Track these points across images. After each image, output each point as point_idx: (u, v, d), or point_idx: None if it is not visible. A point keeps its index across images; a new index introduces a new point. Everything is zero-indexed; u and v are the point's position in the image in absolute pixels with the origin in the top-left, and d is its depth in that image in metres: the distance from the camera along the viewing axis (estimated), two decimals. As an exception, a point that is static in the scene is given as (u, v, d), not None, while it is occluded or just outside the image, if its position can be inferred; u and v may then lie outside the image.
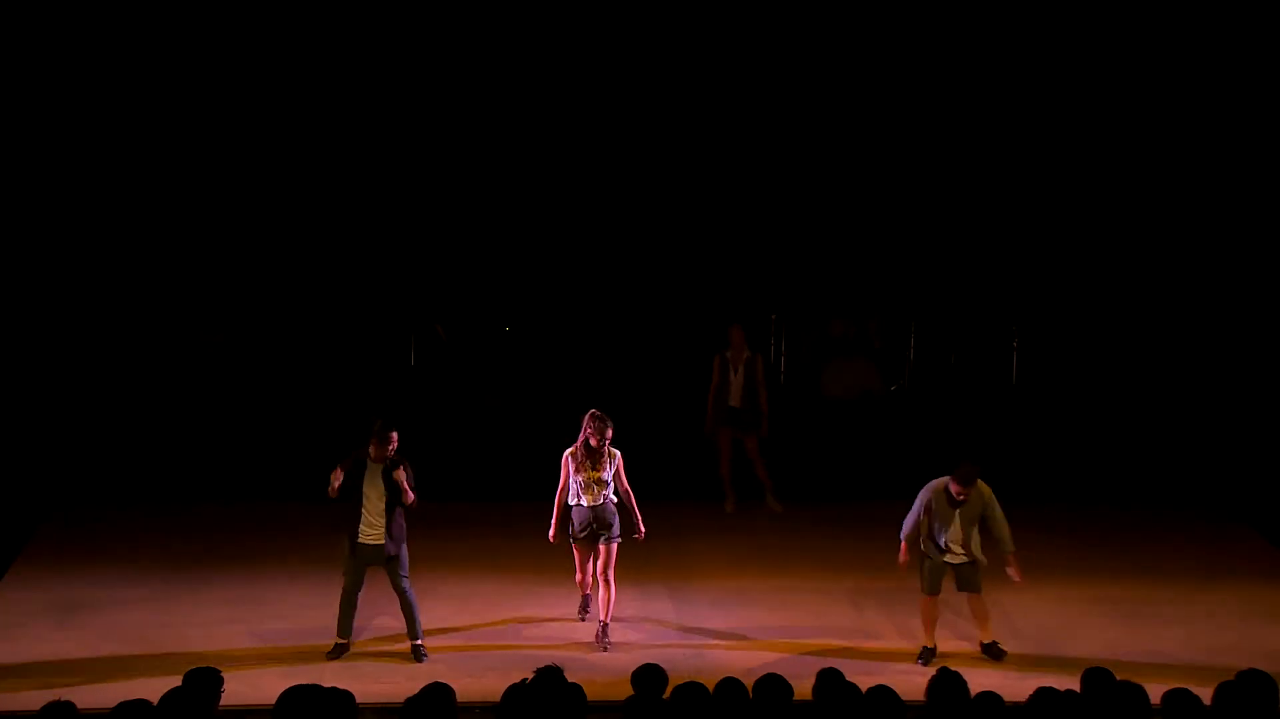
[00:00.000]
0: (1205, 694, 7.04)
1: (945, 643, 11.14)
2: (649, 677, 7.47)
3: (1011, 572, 11.07)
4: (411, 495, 10.85)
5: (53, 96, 15.87)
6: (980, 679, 8.27)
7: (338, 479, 10.79)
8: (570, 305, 17.50)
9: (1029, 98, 16.59)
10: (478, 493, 14.96)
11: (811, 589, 12.64)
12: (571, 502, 11.15)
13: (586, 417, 11.06)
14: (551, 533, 11.30)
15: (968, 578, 11.07)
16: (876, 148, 16.91)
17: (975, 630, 11.23)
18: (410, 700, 6.96)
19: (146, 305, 16.88)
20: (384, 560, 10.88)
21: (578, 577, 11.41)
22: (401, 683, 9.86)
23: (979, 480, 10.89)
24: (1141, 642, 11.34)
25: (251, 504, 14.80)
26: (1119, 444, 16.38)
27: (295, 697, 6.89)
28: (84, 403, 16.26)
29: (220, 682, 7.46)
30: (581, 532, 11.14)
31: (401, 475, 10.76)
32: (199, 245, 16.79)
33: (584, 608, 11.57)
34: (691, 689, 7.04)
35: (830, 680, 7.40)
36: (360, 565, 10.94)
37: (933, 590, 11.04)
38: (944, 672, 7.30)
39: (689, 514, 14.37)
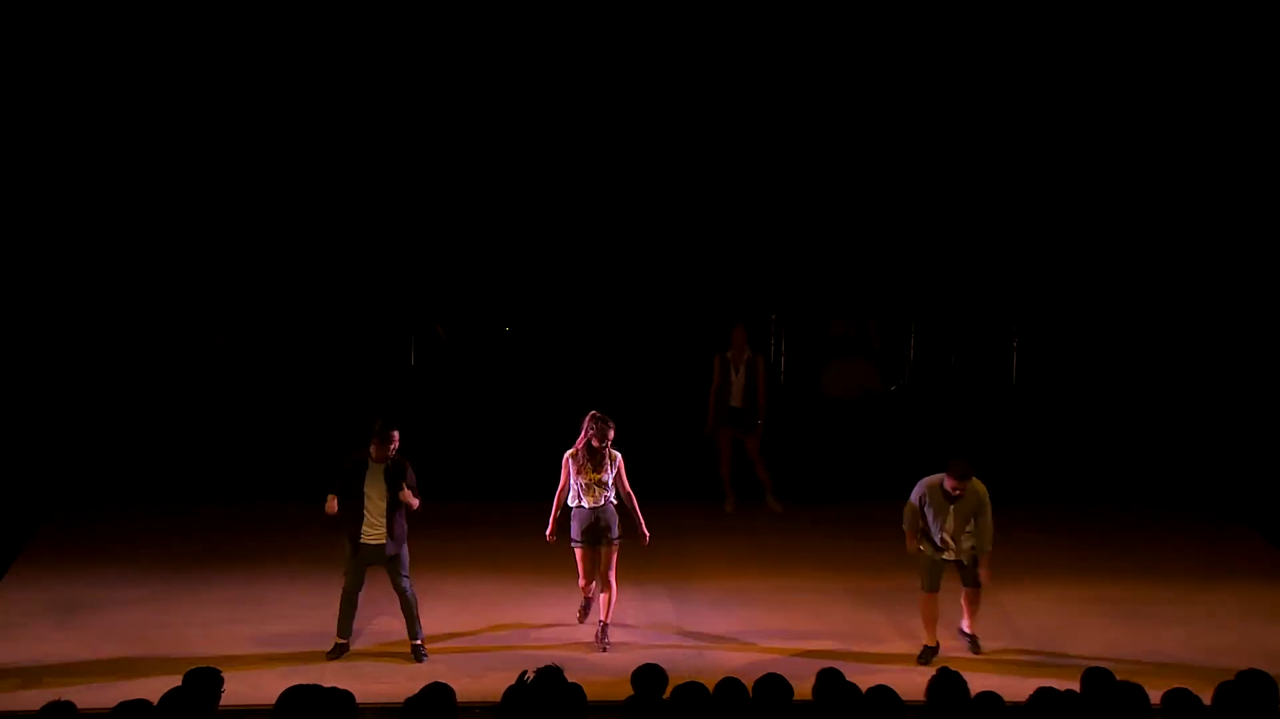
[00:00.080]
0: (1205, 694, 7.05)
1: (946, 643, 11.13)
2: (649, 677, 7.47)
3: (982, 572, 11.02)
4: (416, 503, 10.86)
5: (53, 97, 15.87)
6: (980, 679, 8.27)
7: (333, 506, 10.83)
8: (570, 306, 17.50)
9: (1029, 98, 16.59)
10: (478, 493, 14.96)
11: (811, 589, 12.64)
12: (572, 503, 11.13)
13: (587, 418, 11.02)
14: (549, 531, 11.28)
15: (970, 573, 11.06)
16: (876, 148, 16.91)
17: (962, 617, 11.19)
18: (410, 700, 6.96)
19: (146, 305, 16.89)
20: (385, 560, 10.88)
21: (581, 582, 11.33)
22: (401, 683, 9.86)
23: (977, 480, 10.87)
24: (1141, 642, 11.34)
25: (251, 504, 14.80)
26: (1119, 444, 16.38)
27: (295, 697, 6.89)
28: (84, 403, 16.26)
29: (220, 682, 7.46)
30: (583, 535, 11.11)
31: (409, 495, 10.79)
32: (199, 245, 16.80)
33: (584, 611, 11.51)
34: (691, 689, 7.04)
35: (830, 680, 7.40)
36: (361, 565, 10.93)
37: (932, 587, 11.03)
38: (944, 672, 7.31)
39: (689, 514, 14.37)
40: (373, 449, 10.85)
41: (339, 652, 10.90)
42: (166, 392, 16.65)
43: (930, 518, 10.94)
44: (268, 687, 8.44)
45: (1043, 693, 7.02)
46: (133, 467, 15.49)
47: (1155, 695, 7.08)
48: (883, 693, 7.03)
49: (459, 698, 7.03)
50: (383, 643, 11.18)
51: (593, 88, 16.58)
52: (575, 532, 11.14)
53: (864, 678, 7.62)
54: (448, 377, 17.46)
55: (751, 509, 14.89)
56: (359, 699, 7.08)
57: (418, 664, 10.80)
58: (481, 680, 10.12)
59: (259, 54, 16.08)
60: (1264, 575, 13.16)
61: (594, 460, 10.99)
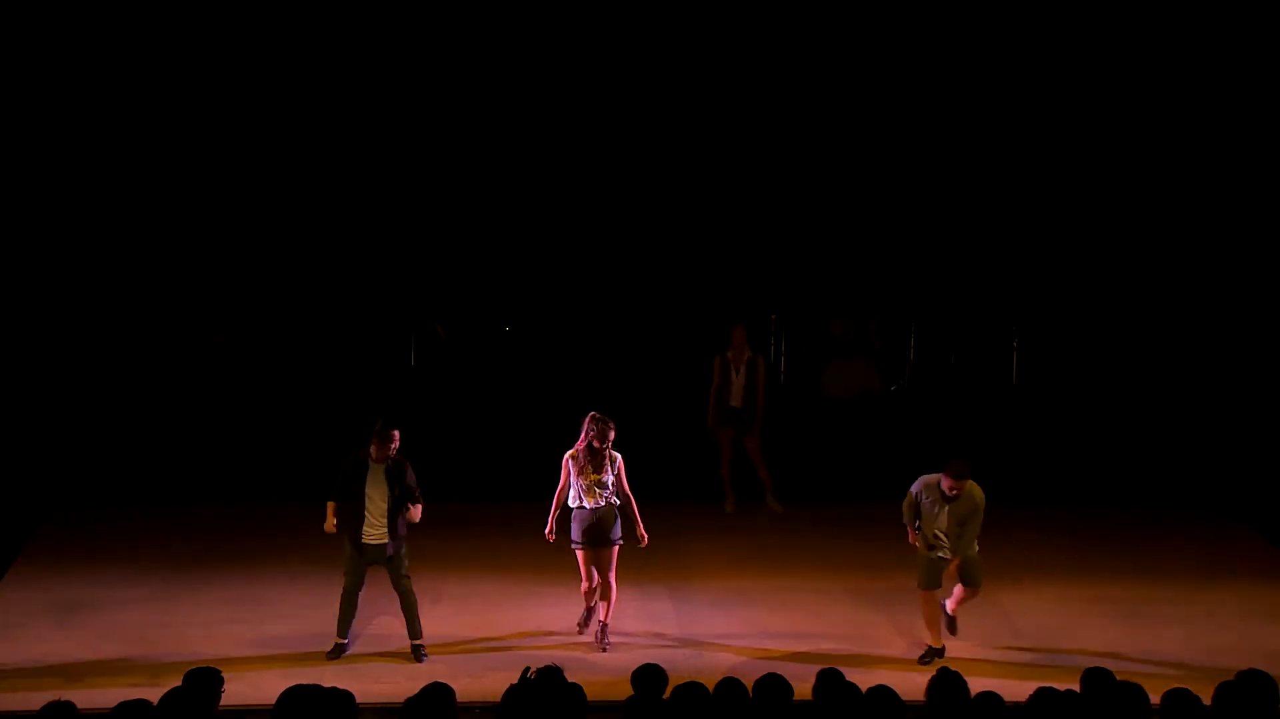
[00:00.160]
0: (1205, 694, 7.05)
1: (947, 643, 11.12)
2: (649, 677, 7.47)
3: (951, 568, 11.00)
4: (419, 517, 10.87)
5: (53, 97, 15.87)
6: (980, 679, 8.26)
7: (331, 526, 10.89)
8: (570, 306, 17.49)
9: (1029, 98, 16.59)
10: (478, 493, 14.95)
11: (811, 589, 12.63)
12: (573, 504, 11.10)
13: (587, 419, 11.00)
14: (548, 529, 11.27)
15: (970, 573, 11.05)
16: (876, 148, 16.91)
17: (955, 597, 11.19)
18: (410, 700, 6.96)
19: (147, 305, 16.89)
20: (385, 560, 10.88)
21: (583, 584, 11.28)
22: (401, 683, 9.87)
23: (976, 486, 10.85)
24: (1141, 642, 11.34)
25: (251, 504, 14.79)
26: (1119, 444, 16.38)
27: (295, 697, 6.90)
28: (84, 403, 16.26)
29: (220, 682, 7.46)
30: (584, 536, 11.09)
31: (416, 514, 10.82)
32: (199, 245, 16.80)
33: (584, 622, 11.40)
34: (691, 689, 7.05)
35: (830, 680, 7.40)
36: (361, 565, 10.93)
37: (930, 585, 11.00)
38: (944, 672, 7.31)
39: (689, 514, 14.37)
40: (373, 449, 10.85)
41: (339, 652, 10.90)
42: (167, 392, 16.65)
43: (925, 514, 10.93)
44: (268, 687, 8.45)
45: (1043, 693, 7.02)
46: (133, 467, 15.49)
47: (1155, 695, 7.08)
48: (883, 693, 7.03)
49: (459, 698, 7.04)
50: (383, 643, 11.18)
51: (592, 88, 16.57)
52: (576, 533, 11.11)
53: (864, 678, 7.62)
54: (448, 376, 17.46)
55: (751, 509, 14.89)
56: (359, 699, 7.08)
57: (418, 664, 10.80)
58: (481, 680, 10.12)
59: (259, 54, 16.08)
60: (1264, 575, 13.16)
61: (594, 462, 10.97)
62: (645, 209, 17.04)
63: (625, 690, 7.50)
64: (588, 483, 10.99)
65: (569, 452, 11.07)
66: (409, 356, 17.52)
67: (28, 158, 16.02)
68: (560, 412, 13.56)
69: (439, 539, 12.79)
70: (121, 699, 6.92)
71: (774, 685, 7.17)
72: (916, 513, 10.99)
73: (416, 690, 7.03)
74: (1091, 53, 16.34)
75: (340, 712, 6.88)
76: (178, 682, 7.36)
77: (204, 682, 7.38)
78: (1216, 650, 10.96)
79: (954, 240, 17.26)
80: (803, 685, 7.45)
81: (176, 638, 11.21)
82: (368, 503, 10.83)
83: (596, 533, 11.06)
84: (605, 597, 11.16)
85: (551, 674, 7.26)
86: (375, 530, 10.84)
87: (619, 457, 11.07)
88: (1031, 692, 7.06)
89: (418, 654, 10.91)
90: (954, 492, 10.75)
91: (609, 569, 11.12)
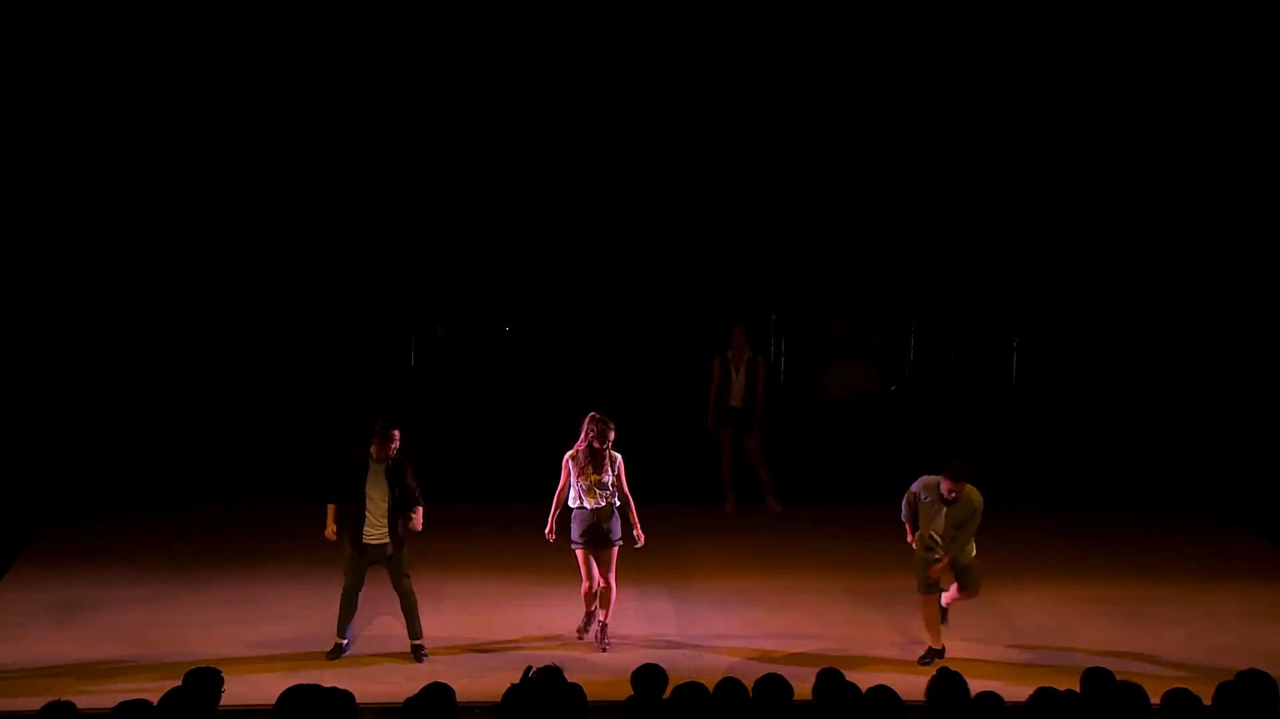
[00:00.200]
0: (1205, 694, 7.05)
1: (946, 643, 11.12)
2: (649, 677, 7.47)
3: (936, 568, 10.99)
4: (420, 523, 10.87)
5: (53, 97, 15.87)
6: (980, 679, 8.26)
7: (331, 533, 10.91)
8: (571, 306, 17.49)
9: (1029, 98, 16.59)
10: (478, 493, 14.95)
11: (811, 589, 12.63)
12: (573, 504, 11.09)
13: (587, 419, 10.99)
14: (549, 529, 11.26)
15: (968, 578, 11.05)
16: (876, 147, 16.91)
17: (951, 593, 11.20)
18: (410, 700, 6.96)
19: (147, 305, 16.88)
20: (385, 560, 10.88)
21: (584, 585, 11.24)
22: (401, 683, 9.86)
23: (975, 491, 10.83)
24: (1141, 642, 11.34)
25: (251, 504, 14.79)
26: (1119, 444, 16.37)
27: (295, 697, 6.89)
28: (84, 403, 16.26)
29: (220, 682, 7.46)
30: (584, 536, 11.08)
31: (418, 524, 10.83)
32: (199, 245, 16.79)
33: (585, 627, 11.36)
34: (691, 689, 7.04)
35: (830, 680, 7.40)
36: (362, 565, 10.94)
37: (929, 589, 10.98)
38: (944, 672, 7.30)
39: (689, 514, 14.37)
40: (373, 449, 10.85)
41: (339, 652, 10.90)
42: (167, 392, 16.65)
43: (924, 514, 10.93)
44: (268, 687, 8.44)
45: (1043, 693, 7.02)
46: (133, 467, 15.49)
47: (1155, 695, 7.08)
48: (883, 693, 7.03)
49: (459, 698, 7.03)
50: (383, 643, 11.18)
51: (592, 88, 16.57)
52: (576, 533, 11.10)
53: (864, 678, 7.62)
54: (448, 376, 17.46)
55: (751, 509, 14.89)
56: (359, 699, 7.08)
57: (418, 664, 10.80)
58: (481, 680, 10.12)
59: (259, 54, 16.08)
60: (1264, 575, 13.16)
61: (594, 462, 10.96)
62: (645, 209, 17.04)
63: (625, 690, 7.50)
64: (588, 483, 10.99)
65: (569, 452, 11.07)
66: (409, 356, 17.52)
67: (28, 158, 16.02)
68: (560, 412, 13.57)
69: (439, 539, 12.74)
70: (121, 699, 6.91)
71: (774, 685, 7.17)
72: (915, 513, 10.99)
73: (416, 690, 7.03)
74: (1091, 53, 16.34)
75: (340, 712, 6.88)
76: (178, 682, 7.35)
77: (204, 682, 7.38)
78: (1216, 650, 10.96)
79: (954, 240, 17.26)
80: (803, 685, 7.44)
81: (176, 638, 11.21)
82: (368, 503, 10.83)
83: (596, 533, 11.05)
84: (605, 597, 11.16)
85: (551, 674, 7.26)
86: (376, 530, 10.85)
87: (619, 457, 11.07)
88: (1031, 692, 7.06)
89: (418, 654, 10.91)
90: (952, 494, 10.73)
91: (609, 569, 11.11)
